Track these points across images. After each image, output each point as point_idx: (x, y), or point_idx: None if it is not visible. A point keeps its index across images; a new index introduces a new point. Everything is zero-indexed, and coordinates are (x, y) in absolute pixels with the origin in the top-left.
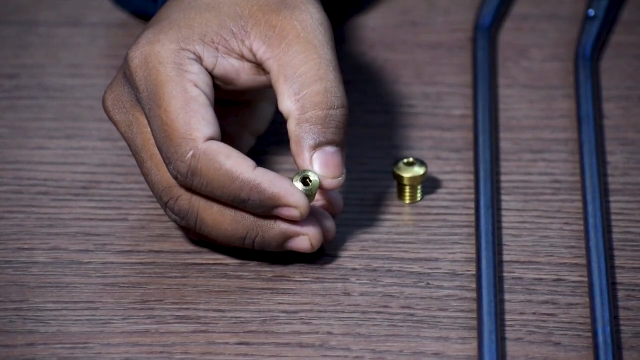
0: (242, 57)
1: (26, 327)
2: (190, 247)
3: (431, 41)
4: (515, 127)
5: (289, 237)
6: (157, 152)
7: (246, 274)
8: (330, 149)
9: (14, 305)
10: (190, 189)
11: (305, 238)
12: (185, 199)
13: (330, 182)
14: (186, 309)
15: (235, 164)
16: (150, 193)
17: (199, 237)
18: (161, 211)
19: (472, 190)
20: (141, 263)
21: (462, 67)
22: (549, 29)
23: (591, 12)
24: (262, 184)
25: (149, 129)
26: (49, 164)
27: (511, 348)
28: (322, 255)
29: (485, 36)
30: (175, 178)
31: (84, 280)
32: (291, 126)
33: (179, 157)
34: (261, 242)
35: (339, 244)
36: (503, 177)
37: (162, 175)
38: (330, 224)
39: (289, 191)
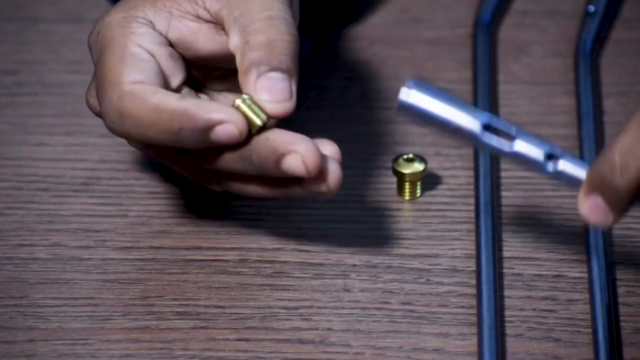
0: (197, 17)
1: (26, 323)
2: (191, 244)
3: (432, 37)
4: (516, 123)
5: (280, 154)
6: None
7: (246, 270)
8: (275, 75)
9: (14, 302)
10: (129, 140)
11: (297, 157)
12: None
13: (275, 107)
14: (186, 305)
15: (161, 98)
16: (150, 190)
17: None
18: (161, 207)
19: (472, 187)
20: (141, 259)
21: (462, 63)
22: (549, 26)
23: (591, 8)
24: (190, 109)
25: None
26: (49, 160)
27: (511, 344)
28: (322, 251)
29: (486, 32)
30: (112, 130)
31: (84, 276)
32: (237, 59)
33: (107, 104)
34: (258, 160)
35: (339, 240)
36: (503, 174)
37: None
38: (334, 166)
39: (220, 108)
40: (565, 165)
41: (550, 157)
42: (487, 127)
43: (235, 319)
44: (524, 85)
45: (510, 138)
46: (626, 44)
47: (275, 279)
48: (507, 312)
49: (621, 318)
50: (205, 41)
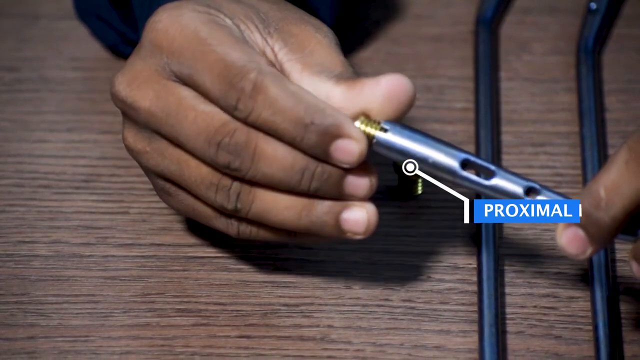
0: (264, 54)
1: (27, 320)
2: (192, 241)
3: (433, 34)
4: (517, 120)
5: (347, 174)
6: (197, 102)
7: (247, 267)
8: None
9: (15, 299)
10: (246, 122)
11: (366, 179)
12: (243, 131)
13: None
14: (187, 302)
15: (300, 88)
16: (151, 186)
17: (244, 225)
18: (162, 204)
19: None
20: (142, 256)
21: (463, 60)
22: (550, 23)
23: (593, 5)
24: (327, 109)
25: (181, 89)
26: (50, 157)
27: (512, 341)
28: (323, 248)
29: (487, 29)
30: (235, 106)
31: (85, 273)
32: (336, 91)
33: (242, 77)
34: (321, 174)
35: None
36: None
37: (213, 117)
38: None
39: (352, 125)
40: (545, 199)
41: (529, 191)
42: (465, 164)
43: (236, 316)
44: (525, 83)
45: (490, 173)
46: (628, 41)
47: (276, 276)
48: (508, 310)
49: (622, 315)
50: None
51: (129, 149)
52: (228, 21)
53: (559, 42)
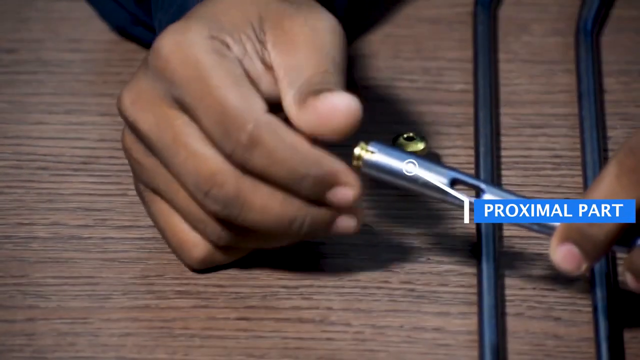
0: (263, 60)
1: (26, 302)
2: None
3: (432, 16)
4: (516, 102)
5: (337, 215)
6: (192, 142)
7: None
8: (321, 97)
9: (14, 281)
10: (242, 167)
11: (352, 216)
12: (232, 183)
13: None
14: (186, 284)
15: (298, 138)
16: None
17: (228, 249)
18: None
19: (473, 166)
20: (141, 238)
21: (462, 41)
22: (549, 4)
23: None
24: (323, 159)
25: (180, 121)
26: (48, 139)
27: (511, 323)
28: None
29: (486, 11)
30: (230, 154)
31: (84, 255)
32: (292, 110)
33: (238, 127)
34: (310, 223)
35: None
36: (503, 152)
37: (204, 163)
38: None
39: (347, 169)
40: None
41: None
42: (454, 182)
43: (235, 298)
44: (524, 64)
45: (479, 191)
46: (627, 22)
47: (276, 257)
48: (507, 291)
49: (622, 296)
50: (267, 85)
51: (125, 151)
52: (229, 40)
53: (558, 23)
